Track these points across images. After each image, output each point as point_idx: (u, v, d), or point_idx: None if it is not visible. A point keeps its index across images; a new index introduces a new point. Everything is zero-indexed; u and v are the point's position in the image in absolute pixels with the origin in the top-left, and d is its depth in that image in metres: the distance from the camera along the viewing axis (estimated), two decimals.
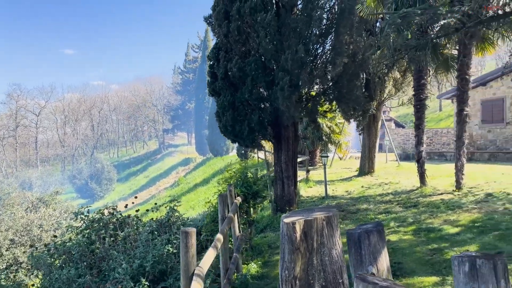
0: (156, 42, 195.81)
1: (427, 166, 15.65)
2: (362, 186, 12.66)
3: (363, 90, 14.77)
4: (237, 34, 7.90)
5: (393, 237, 6.59)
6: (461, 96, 9.91)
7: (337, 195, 11.71)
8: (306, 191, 12.83)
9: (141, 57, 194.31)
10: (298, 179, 13.89)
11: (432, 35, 7.87)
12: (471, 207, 8.03)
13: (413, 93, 11.22)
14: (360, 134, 15.84)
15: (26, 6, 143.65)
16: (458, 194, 9.56)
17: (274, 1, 7.46)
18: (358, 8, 8.60)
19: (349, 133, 20.41)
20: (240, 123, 8.32)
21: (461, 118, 9.93)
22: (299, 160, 14.69)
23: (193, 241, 2.95)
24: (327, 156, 11.42)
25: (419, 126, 10.94)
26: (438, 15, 6.31)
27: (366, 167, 14.96)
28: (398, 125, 36.24)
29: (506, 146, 18.84)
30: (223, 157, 28.72)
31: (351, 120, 15.52)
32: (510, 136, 18.73)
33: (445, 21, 6.66)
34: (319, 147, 20.13)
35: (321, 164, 20.92)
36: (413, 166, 17.08)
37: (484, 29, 9.04)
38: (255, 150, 22.91)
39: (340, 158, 22.81)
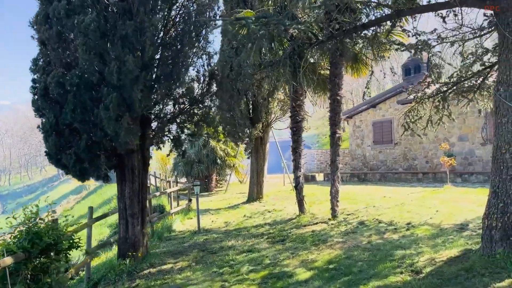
0: None
1: (319, 188, 15.22)
2: (244, 215, 11.58)
3: (250, 111, 14.02)
4: (56, 41, 6.35)
5: None
6: (333, 118, 9.36)
7: (213, 228, 10.44)
8: (183, 224, 11.37)
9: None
10: (178, 209, 12.43)
11: (287, 50, 7.09)
12: (336, 241, 7.23)
13: (289, 114, 10.54)
14: (247, 158, 15.02)
15: None
16: (332, 224, 8.84)
17: (97, 1, 6.07)
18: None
19: (245, 155, 19.54)
20: (66, 151, 6.67)
21: (334, 141, 9.36)
22: (176, 188, 13.29)
23: None
24: (199, 185, 10.15)
25: (296, 149, 10.22)
26: (279, 25, 5.44)
27: (254, 193, 14.02)
28: (304, 146, 36.64)
29: (395, 166, 19.39)
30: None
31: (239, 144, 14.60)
32: (398, 157, 19.31)
33: (294, 30, 5.85)
34: (215, 171, 18.92)
35: (218, 189, 19.72)
36: (308, 188, 16.65)
37: (345, 43, 8.61)
38: (150, 177, 20.88)
39: (241, 182, 21.84)
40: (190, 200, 13.33)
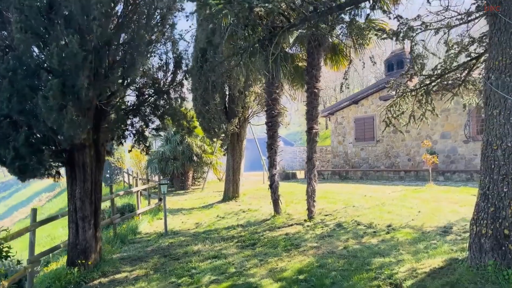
0: None
1: (298, 186, 14.61)
2: (217, 216, 10.86)
3: (226, 106, 13.30)
4: None
5: None
6: (310, 113, 8.72)
7: (183, 229, 9.70)
8: (151, 225, 10.59)
9: None
10: (146, 208, 11.65)
11: (261, 37, 6.39)
12: (309, 246, 6.60)
13: (265, 109, 9.87)
14: (224, 155, 14.30)
15: None
16: (307, 226, 8.22)
17: None
18: None
19: (223, 152, 18.81)
20: (4, 145, 5.84)
21: (311, 137, 8.73)
22: (146, 187, 12.47)
23: None
24: (167, 184, 9.38)
25: (271, 146, 9.56)
26: (244, 3, 4.74)
27: (230, 192, 13.32)
28: (286, 143, 36.21)
29: (377, 164, 18.95)
30: None
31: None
32: (380, 154, 18.88)
33: (260, 9, 5.16)
34: (191, 169, 18.12)
35: (196, 187, 18.96)
36: (287, 187, 16.03)
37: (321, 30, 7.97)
38: (124, 174, 20.07)
39: (219, 180, 21.09)
40: (160, 200, 12.52)
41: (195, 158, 17.30)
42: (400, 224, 7.59)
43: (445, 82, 7.94)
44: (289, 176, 21.16)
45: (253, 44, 6.17)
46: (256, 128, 18.99)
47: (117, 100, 6.81)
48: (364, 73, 45.74)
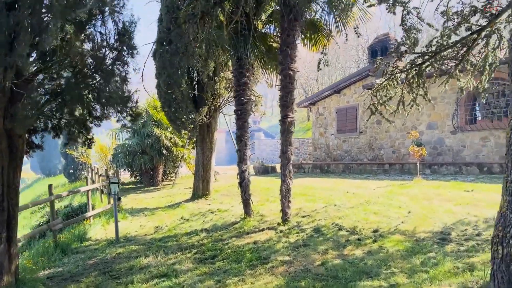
0: None
1: (276, 182, 13.37)
2: (181, 218, 9.55)
3: (194, 93, 11.93)
4: None
5: None
6: (284, 98, 7.45)
7: (138, 235, 8.36)
8: (105, 229, 9.19)
9: None
10: (102, 209, 10.25)
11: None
12: (280, 261, 5.37)
13: (234, 94, 8.55)
14: (193, 148, 12.98)
15: None
16: (281, 231, 6.99)
17: None
18: None
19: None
20: None
21: (285, 127, 7.48)
22: (94, 187, 11.05)
23: None
24: (117, 182, 7.99)
25: (241, 137, 8.26)
26: None
27: (200, 189, 12.00)
28: (267, 135, 35.06)
29: (360, 156, 17.91)
30: (56, 176, 23.05)
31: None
32: (363, 146, 17.82)
33: None
34: (161, 163, 16.69)
35: (167, 183, 17.57)
36: (264, 182, 14.81)
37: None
38: (89, 169, 18.51)
39: (194, 174, 19.68)
40: (119, 199, 11.10)
41: (164, 151, 15.87)
42: (389, 228, 6.45)
43: (440, 62, 6.78)
44: (268, 170, 19.97)
45: (203, 6, 4.83)
46: (232, 119, 17.71)
47: (32, 79, 5.38)
48: (346, 64, 44.80)
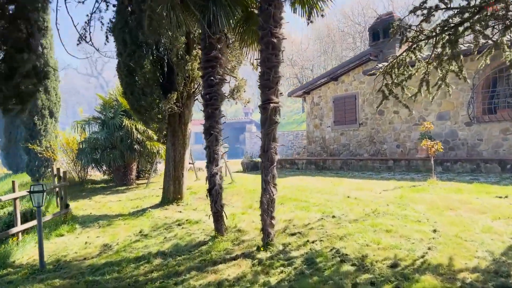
0: None
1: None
2: (140, 232, 7.54)
3: (163, 76, 9.88)
4: None
5: None
6: (265, 77, 5.40)
7: (76, 258, 6.34)
8: (51, 246, 7.14)
9: None
10: (47, 219, 8.22)
11: None
12: None
13: (201, 73, 6.48)
14: (163, 144, 10.98)
15: None
16: (259, 262, 4.99)
17: None
18: None
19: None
20: None
21: (267, 115, 5.47)
22: (20, 195, 8.96)
23: None
24: (41, 191, 5.92)
25: (209, 130, 6.23)
26: None
27: (170, 192, 9.98)
28: (260, 127, 32.93)
29: (360, 151, 15.95)
30: (24, 173, 21.00)
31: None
32: (363, 140, 15.86)
33: None
34: (135, 160, 14.62)
35: (142, 182, 15.51)
36: (250, 180, 12.86)
37: None
38: (54, 166, 16.27)
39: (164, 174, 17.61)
40: (67, 206, 9.06)
41: (137, 146, 13.80)
42: (412, 260, 4.49)
43: (484, 24, 4.77)
44: (258, 166, 17.93)
45: None
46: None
47: None
48: (342, 53, 42.71)
